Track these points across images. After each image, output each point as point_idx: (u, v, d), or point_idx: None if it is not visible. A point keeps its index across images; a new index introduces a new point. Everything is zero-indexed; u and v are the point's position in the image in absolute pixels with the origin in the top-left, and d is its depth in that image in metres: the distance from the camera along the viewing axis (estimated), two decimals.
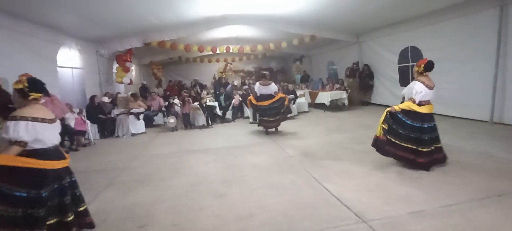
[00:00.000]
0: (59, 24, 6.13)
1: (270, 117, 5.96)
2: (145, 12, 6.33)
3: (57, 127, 2.20)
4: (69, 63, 7.09)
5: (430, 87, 3.34)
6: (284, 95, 6.19)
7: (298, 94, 9.22)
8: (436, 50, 6.74)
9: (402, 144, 3.41)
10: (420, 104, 3.34)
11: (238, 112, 8.82)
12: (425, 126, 3.34)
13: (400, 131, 3.43)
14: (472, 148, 4.24)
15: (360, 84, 9.53)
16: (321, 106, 9.33)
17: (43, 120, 2.04)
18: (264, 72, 6.37)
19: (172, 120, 7.34)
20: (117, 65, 9.04)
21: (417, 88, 3.33)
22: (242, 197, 3.02)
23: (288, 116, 6.34)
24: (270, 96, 5.94)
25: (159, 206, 2.91)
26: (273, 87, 5.98)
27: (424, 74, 3.37)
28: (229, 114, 8.54)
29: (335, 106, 9.31)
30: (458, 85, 6.28)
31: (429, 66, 3.36)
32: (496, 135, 4.83)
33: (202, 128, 7.49)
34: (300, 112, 8.99)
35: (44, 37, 5.91)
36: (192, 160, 4.54)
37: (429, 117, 3.40)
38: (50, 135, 2.10)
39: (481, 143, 4.46)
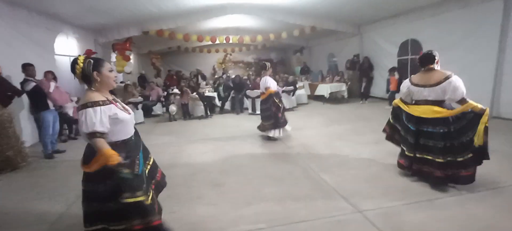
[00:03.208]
0: (56, 12, 6.01)
1: (262, 119, 5.02)
2: (143, 0, 6.21)
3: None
4: (66, 52, 7.00)
5: (421, 85, 2.75)
6: (272, 91, 4.78)
7: (297, 86, 9.16)
8: (435, 40, 6.63)
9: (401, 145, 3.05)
10: (416, 103, 2.85)
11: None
12: (424, 129, 2.76)
13: (399, 128, 3.09)
14: None
15: (360, 77, 9.44)
16: (321, 98, 9.29)
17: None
18: (265, 63, 5.15)
19: (174, 108, 7.34)
20: (116, 54, 8.94)
21: (402, 85, 3.02)
22: (239, 187, 3.03)
23: (279, 127, 4.82)
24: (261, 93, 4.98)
25: None
26: (265, 82, 4.81)
27: (423, 69, 2.81)
28: (227, 105, 8.50)
29: (334, 98, 9.28)
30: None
31: (421, 60, 2.79)
32: (496, 129, 4.79)
33: (200, 118, 7.48)
34: (299, 104, 8.96)
35: (42, 25, 5.82)
36: (190, 150, 4.54)
37: (429, 120, 2.71)
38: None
39: None
